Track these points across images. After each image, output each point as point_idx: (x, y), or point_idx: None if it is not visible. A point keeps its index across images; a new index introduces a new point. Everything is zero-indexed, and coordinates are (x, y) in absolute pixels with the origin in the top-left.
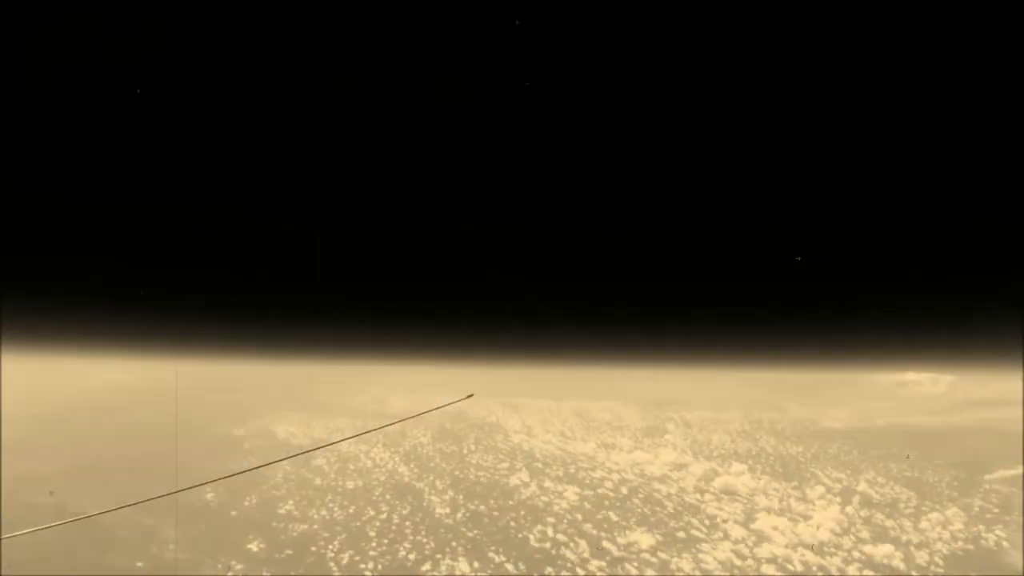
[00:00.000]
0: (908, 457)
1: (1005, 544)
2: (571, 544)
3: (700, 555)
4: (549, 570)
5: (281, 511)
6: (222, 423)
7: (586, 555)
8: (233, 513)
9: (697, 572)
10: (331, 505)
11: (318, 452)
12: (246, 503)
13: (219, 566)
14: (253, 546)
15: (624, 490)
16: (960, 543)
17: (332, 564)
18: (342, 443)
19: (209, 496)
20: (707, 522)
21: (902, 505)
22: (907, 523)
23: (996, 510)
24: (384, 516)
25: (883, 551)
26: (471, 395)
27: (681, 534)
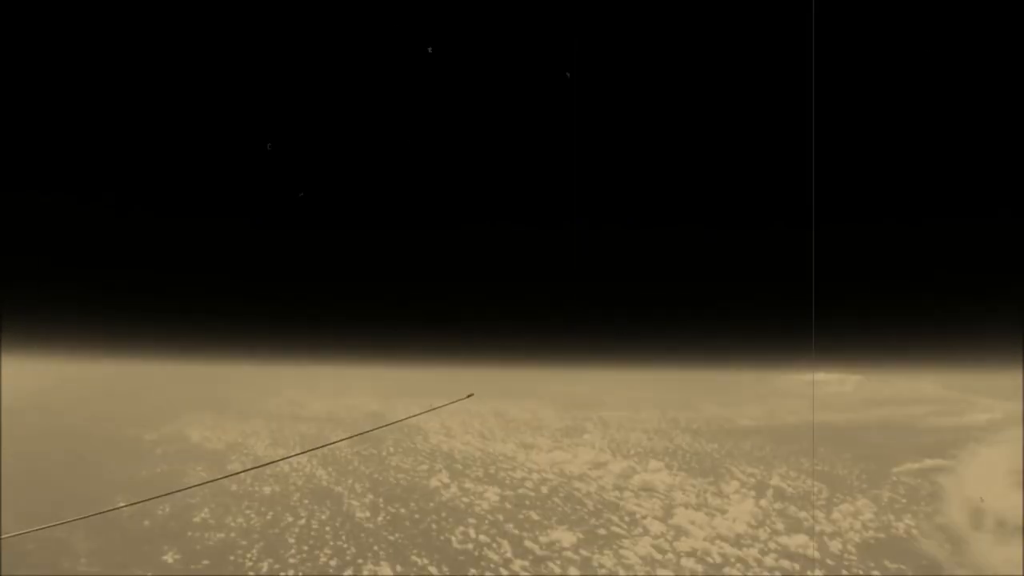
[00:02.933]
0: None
1: (915, 532)
2: (493, 544)
3: (621, 551)
4: (472, 571)
5: (196, 520)
6: (132, 427)
7: (509, 555)
8: (146, 523)
9: (619, 568)
10: (248, 512)
11: (232, 458)
12: (159, 512)
13: None
14: (168, 557)
15: (544, 489)
16: (871, 532)
17: (251, 573)
18: (257, 447)
19: (121, 505)
20: (627, 519)
21: (814, 497)
22: (820, 514)
23: (904, 500)
24: (303, 522)
25: (797, 541)
26: (471, 394)
27: (602, 531)
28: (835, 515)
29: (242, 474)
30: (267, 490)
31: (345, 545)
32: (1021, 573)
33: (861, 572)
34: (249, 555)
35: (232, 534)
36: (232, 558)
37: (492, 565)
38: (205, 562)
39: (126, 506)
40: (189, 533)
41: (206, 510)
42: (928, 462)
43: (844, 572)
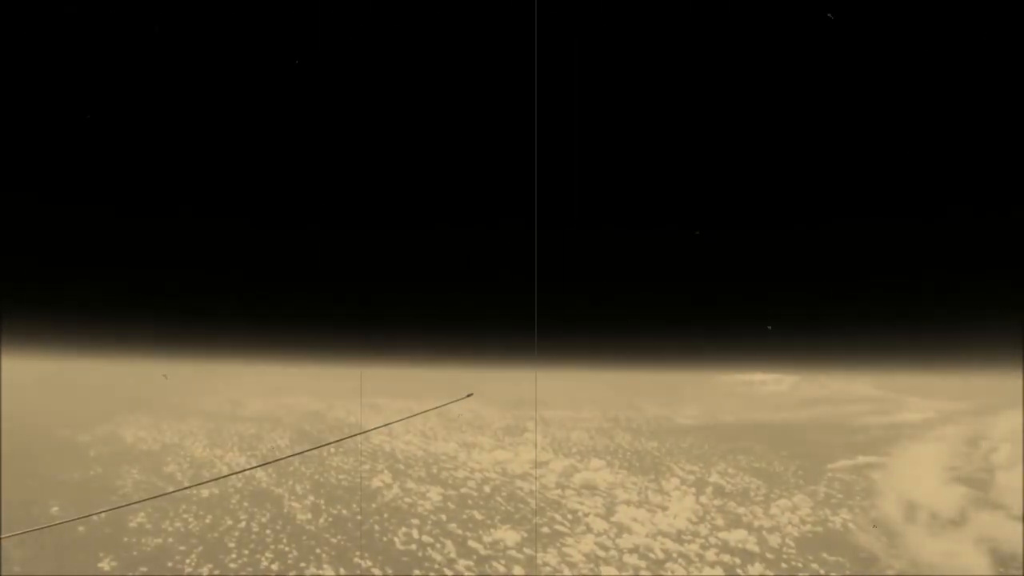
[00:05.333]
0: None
1: (851, 526)
2: (437, 545)
3: (565, 549)
4: (416, 572)
5: (132, 524)
6: (64, 428)
7: (453, 555)
8: (81, 529)
9: (564, 566)
10: (186, 516)
11: (168, 459)
12: (94, 518)
13: None
14: (105, 564)
15: (487, 489)
16: (809, 526)
17: None
18: (194, 448)
19: (54, 511)
20: (570, 517)
21: (752, 493)
22: (758, 510)
23: (840, 495)
24: (243, 525)
25: (737, 536)
26: (471, 394)
27: (545, 530)
28: (773, 510)
29: (179, 476)
30: (205, 493)
31: (287, 548)
32: (1021, 573)
33: (800, 564)
34: (188, 560)
35: (170, 539)
36: (170, 564)
37: (436, 565)
38: (143, 569)
39: (104, 511)
40: (125, 539)
41: (142, 514)
42: (862, 459)
43: (784, 565)
